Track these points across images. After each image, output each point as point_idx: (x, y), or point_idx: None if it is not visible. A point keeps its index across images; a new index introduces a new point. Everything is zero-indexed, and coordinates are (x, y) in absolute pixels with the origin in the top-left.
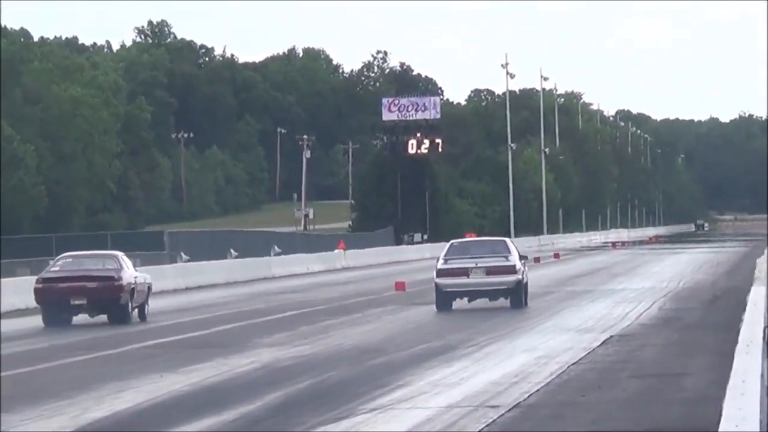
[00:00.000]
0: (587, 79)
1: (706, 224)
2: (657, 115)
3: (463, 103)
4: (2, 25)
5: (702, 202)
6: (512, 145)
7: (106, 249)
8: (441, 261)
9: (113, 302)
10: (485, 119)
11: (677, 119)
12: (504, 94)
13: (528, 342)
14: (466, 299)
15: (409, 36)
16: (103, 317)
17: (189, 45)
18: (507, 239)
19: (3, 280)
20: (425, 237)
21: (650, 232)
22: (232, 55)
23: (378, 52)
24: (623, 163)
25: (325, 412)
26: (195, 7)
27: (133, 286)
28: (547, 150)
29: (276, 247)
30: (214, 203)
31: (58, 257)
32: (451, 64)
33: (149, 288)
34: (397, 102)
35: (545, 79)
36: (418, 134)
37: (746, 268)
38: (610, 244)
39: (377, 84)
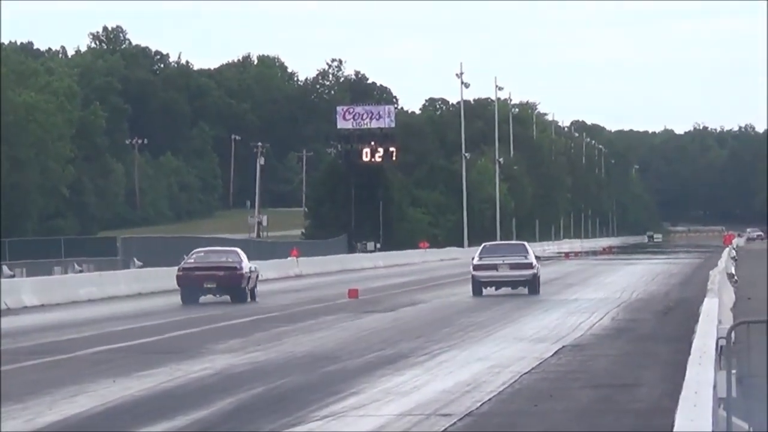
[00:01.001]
0: (542, 90)
1: (656, 236)
2: (611, 126)
3: (418, 112)
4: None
5: (655, 213)
6: (466, 154)
7: (59, 254)
8: (476, 258)
9: (236, 286)
10: (440, 128)
11: (631, 130)
12: (458, 103)
13: (481, 351)
14: (493, 288)
15: (364, 45)
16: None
17: (144, 51)
18: (525, 243)
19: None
20: (378, 245)
21: (603, 242)
22: (187, 62)
23: (333, 60)
24: (577, 174)
25: (278, 419)
26: (150, 13)
27: (249, 274)
28: (501, 160)
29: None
30: (167, 209)
31: (192, 252)
32: (406, 73)
33: (257, 276)
34: (351, 110)
35: (500, 89)
36: (373, 143)
37: (699, 280)
38: (563, 255)
39: (332, 92)
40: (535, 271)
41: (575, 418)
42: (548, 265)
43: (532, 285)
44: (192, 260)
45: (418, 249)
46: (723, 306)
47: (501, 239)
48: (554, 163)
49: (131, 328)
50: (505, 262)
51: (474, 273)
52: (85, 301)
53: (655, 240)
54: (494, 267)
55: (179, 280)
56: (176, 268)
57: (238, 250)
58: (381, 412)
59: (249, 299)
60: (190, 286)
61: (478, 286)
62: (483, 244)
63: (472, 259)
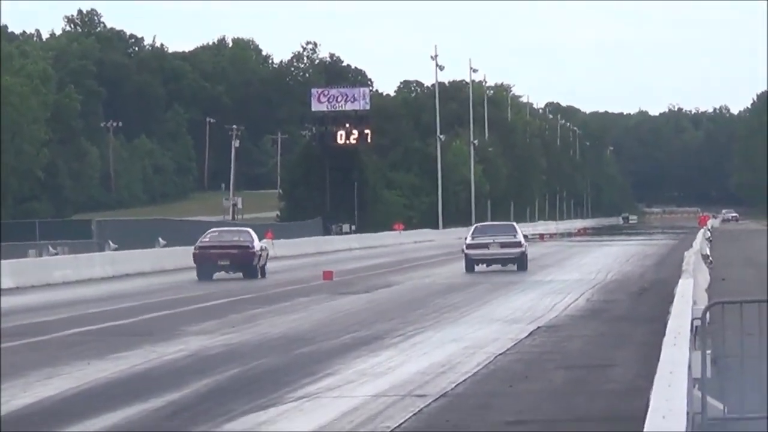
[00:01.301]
0: (517, 72)
1: (632, 217)
2: (586, 108)
3: (393, 94)
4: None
5: (630, 194)
6: (441, 136)
7: (34, 237)
8: (469, 238)
9: (248, 264)
10: (414, 111)
11: (606, 112)
12: (433, 85)
13: (455, 332)
14: (484, 265)
15: (339, 27)
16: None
17: (119, 34)
18: (514, 223)
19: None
20: (353, 227)
21: (578, 224)
22: (162, 45)
23: (308, 43)
24: (552, 156)
25: (253, 400)
26: None
27: (260, 252)
28: (476, 142)
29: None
30: (142, 192)
31: (207, 232)
32: (380, 56)
33: (267, 254)
34: (326, 93)
35: (475, 71)
36: (347, 125)
37: (674, 261)
38: (539, 236)
39: (307, 75)
40: (524, 249)
41: (549, 399)
42: None
43: (521, 262)
44: (207, 239)
45: (393, 231)
46: (698, 287)
47: (476, 221)
48: (529, 144)
49: (106, 311)
50: (496, 241)
51: (467, 251)
52: (60, 284)
53: (630, 221)
54: (486, 246)
55: (195, 258)
56: (151, 249)
57: (250, 230)
58: (356, 393)
59: (259, 276)
60: (205, 264)
61: (470, 264)
62: (475, 225)
63: (465, 238)
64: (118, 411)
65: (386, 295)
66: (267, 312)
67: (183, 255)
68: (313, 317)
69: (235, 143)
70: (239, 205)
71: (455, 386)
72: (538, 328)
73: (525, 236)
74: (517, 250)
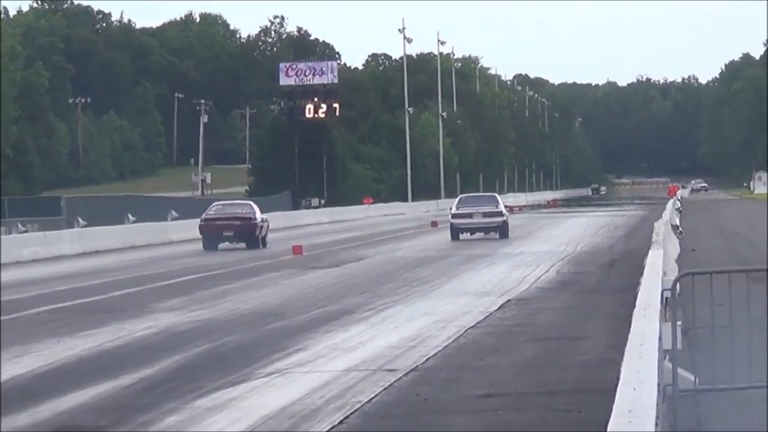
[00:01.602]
0: (485, 44)
1: (602, 188)
2: (554, 79)
3: (361, 67)
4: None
5: (599, 165)
6: (409, 109)
7: (2, 215)
8: (454, 208)
9: (251, 234)
10: (383, 84)
11: (575, 83)
12: (401, 58)
13: (426, 306)
14: (468, 233)
15: (307, 1)
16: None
17: (86, 10)
18: (496, 194)
19: None
20: (322, 202)
21: (548, 195)
22: (129, 21)
23: (275, 17)
24: (521, 127)
25: (223, 377)
26: None
27: (261, 224)
28: (444, 114)
29: (173, 212)
30: (111, 168)
31: (212, 204)
32: (348, 29)
33: (268, 226)
34: (294, 67)
35: (442, 43)
36: (316, 99)
37: (644, 232)
38: (508, 209)
39: (274, 49)
40: (505, 218)
41: (521, 372)
42: None
43: (503, 230)
44: (212, 212)
45: (363, 205)
46: (668, 258)
47: (445, 194)
48: (497, 117)
49: (75, 288)
50: (479, 211)
51: (452, 221)
52: (30, 261)
53: (600, 192)
54: (469, 215)
55: (201, 230)
56: (120, 226)
57: (252, 203)
58: (326, 368)
59: (261, 246)
60: (211, 235)
61: (455, 232)
62: (459, 196)
63: (450, 209)
64: (88, 388)
65: (356, 270)
66: (236, 288)
67: (152, 231)
68: (282, 292)
69: (204, 118)
70: (208, 180)
71: (426, 360)
72: (509, 300)
73: (507, 206)
74: (499, 219)
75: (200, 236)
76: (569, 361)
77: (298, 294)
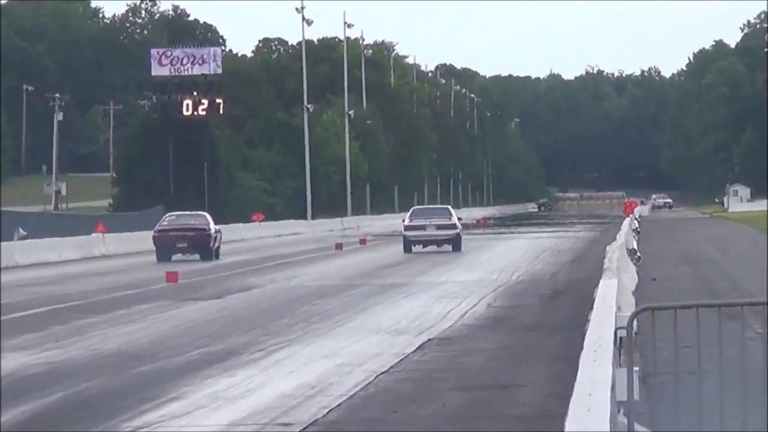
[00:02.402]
0: (401, 27)
1: (550, 203)
2: (485, 71)
3: (250, 55)
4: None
5: (541, 176)
6: (309, 106)
7: None
8: (407, 220)
9: (205, 246)
10: (276, 75)
11: (510, 76)
12: (299, 44)
13: (328, 346)
14: (420, 246)
15: None
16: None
17: None
18: (449, 207)
19: None
20: None
21: (477, 213)
22: None
23: None
24: (444, 129)
25: (81, 430)
26: None
27: (215, 235)
28: (351, 112)
29: (21, 230)
30: None
31: (165, 216)
32: (235, 8)
33: (221, 237)
34: (169, 54)
35: (350, 26)
36: (195, 93)
37: (594, 257)
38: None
39: (145, 32)
40: (458, 231)
41: (442, 426)
42: None
43: (456, 243)
44: (166, 222)
45: (252, 222)
46: (623, 289)
47: (352, 209)
48: (417, 115)
49: None
50: (432, 223)
51: (405, 233)
52: None
53: (548, 209)
54: (422, 227)
55: (155, 241)
56: None
57: (205, 213)
58: (207, 421)
59: (214, 258)
60: (164, 246)
61: (408, 245)
62: (412, 208)
63: (403, 221)
64: None
65: (243, 301)
66: (98, 323)
67: None
68: (154, 329)
69: (59, 116)
70: (63, 192)
71: (328, 412)
72: (429, 340)
73: (460, 218)
74: (453, 231)
75: (151, 250)
76: (501, 414)
77: (173, 331)
